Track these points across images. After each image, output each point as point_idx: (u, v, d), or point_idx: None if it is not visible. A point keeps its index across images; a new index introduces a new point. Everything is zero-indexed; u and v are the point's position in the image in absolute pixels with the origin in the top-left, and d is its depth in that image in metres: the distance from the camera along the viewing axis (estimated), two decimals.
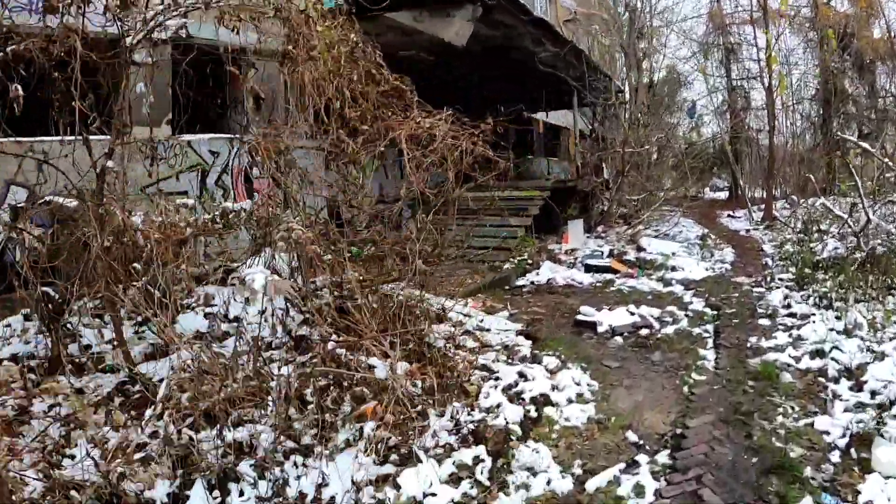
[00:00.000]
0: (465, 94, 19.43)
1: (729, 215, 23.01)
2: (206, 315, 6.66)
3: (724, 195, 34.10)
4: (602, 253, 12.44)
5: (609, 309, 8.49)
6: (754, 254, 13.75)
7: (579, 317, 8.27)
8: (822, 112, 24.30)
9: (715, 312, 8.41)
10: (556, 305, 9.38)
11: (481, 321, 8.24)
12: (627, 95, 16.42)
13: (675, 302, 9.18)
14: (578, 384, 5.88)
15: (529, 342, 7.36)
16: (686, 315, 8.36)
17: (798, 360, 6.16)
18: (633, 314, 8.11)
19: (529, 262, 12.03)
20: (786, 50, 23.55)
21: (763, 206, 20.73)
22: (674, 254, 12.15)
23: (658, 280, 10.58)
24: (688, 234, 15.54)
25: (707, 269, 11.31)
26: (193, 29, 6.50)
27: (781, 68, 21.38)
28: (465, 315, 8.34)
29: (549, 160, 23.17)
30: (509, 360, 6.55)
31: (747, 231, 18.33)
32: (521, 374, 5.94)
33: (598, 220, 14.43)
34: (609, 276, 11.01)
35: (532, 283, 11.11)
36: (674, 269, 11.02)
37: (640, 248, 12.53)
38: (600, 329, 7.82)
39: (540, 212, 13.93)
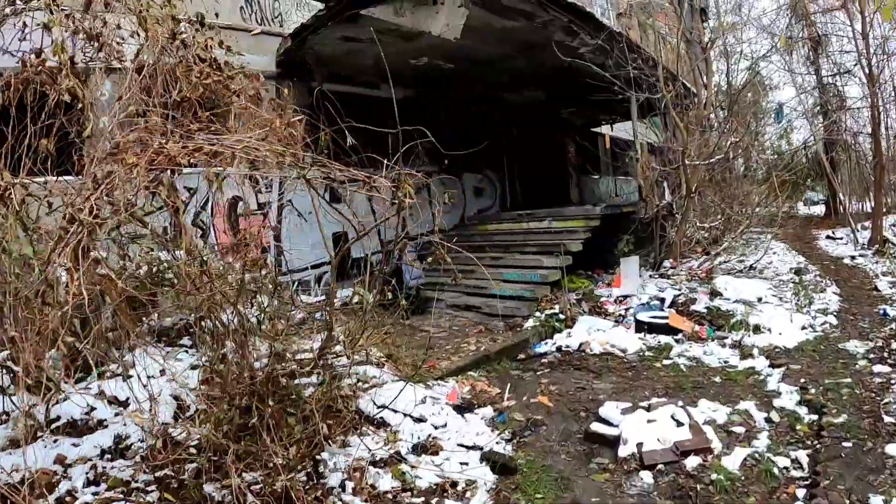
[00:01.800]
0: (515, 114, 16.82)
1: (828, 237, 18.76)
2: (97, 394, 5.24)
3: (819, 210, 28.99)
4: (663, 301, 9.32)
5: (648, 407, 5.55)
6: (866, 296, 10.03)
7: (595, 426, 5.36)
8: None
9: (814, 418, 5.25)
10: (576, 393, 6.48)
11: (441, 427, 5.52)
12: (703, 95, 13.07)
13: (753, 389, 6.08)
14: None
15: (495, 478, 4.67)
16: (768, 421, 5.30)
17: None
18: (680, 424, 5.12)
19: (562, 315, 9.07)
20: (880, 38, 19.26)
21: (869, 225, 16.63)
22: (759, 300, 8.87)
23: (733, 346, 7.40)
24: (778, 267, 11.97)
25: (804, 327, 7.93)
26: None
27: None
28: (416, 419, 5.62)
29: (616, 180, 20.00)
30: None
31: (852, 259, 14.16)
32: None
33: (664, 254, 11.26)
34: (666, 338, 7.93)
35: (559, 348, 8.18)
36: (757, 328, 7.74)
37: (713, 293, 9.31)
38: (622, 451, 4.94)
39: (588, 244, 10.95)
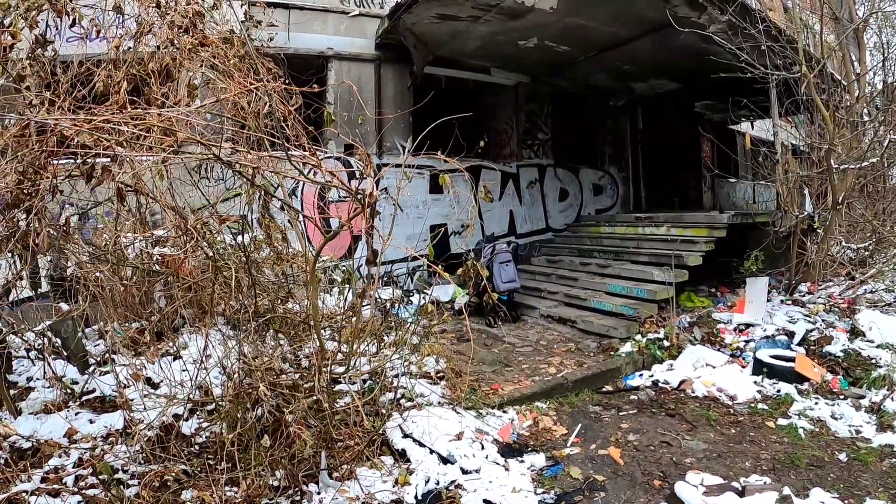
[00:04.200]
0: (642, 106, 15.37)
1: None
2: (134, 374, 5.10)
3: None
4: (791, 336, 7.81)
5: (742, 490, 4.38)
6: None
7: None
8: None
9: None
10: (658, 449, 5.33)
11: (471, 473, 4.62)
12: (855, 87, 10.96)
13: (887, 480, 4.68)
14: None
15: None
16: None
17: None
18: None
19: (666, 343, 7.81)
20: None
21: None
22: None
23: (871, 411, 5.90)
24: None
25: None
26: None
27: None
28: (442, 459, 4.73)
29: (756, 185, 17.91)
30: None
31: None
32: None
33: (800, 275, 9.57)
34: (788, 387, 6.53)
35: (655, 383, 7.00)
36: None
37: (854, 331, 7.70)
38: None
39: (713, 258, 9.55)
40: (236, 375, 4.33)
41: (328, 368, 4.63)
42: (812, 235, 9.73)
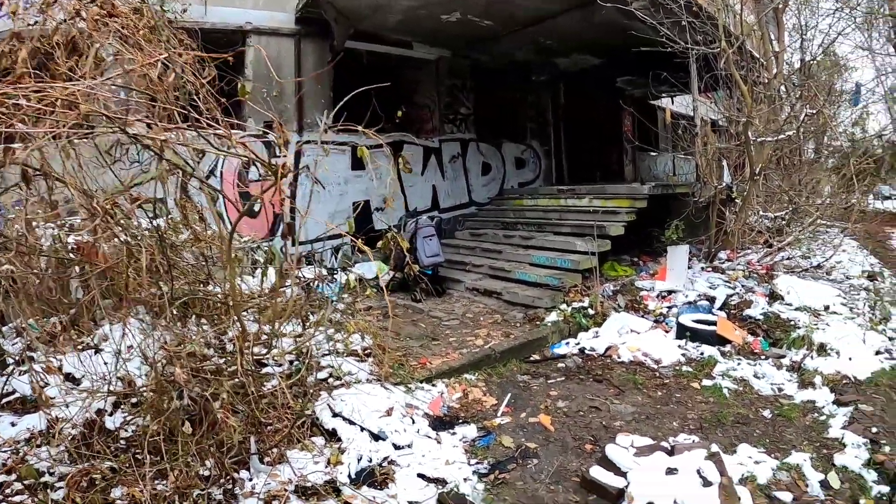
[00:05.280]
0: (565, 81, 15.40)
1: None
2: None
3: (893, 205, 25.63)
4: (712, 301, 7.94)
5: (672, 449, 4.32)
6: None
7: (595, 471, 4.16)
8: None
9: (885, 491, 3.91)
10: (588, 414, 5.29)
11: (403, 448, 4.47)
12: (773, 64, 11.28)
13: (810, 434, 4.77)
14: None
15: None
16: (824, 486, 4.01)
17: None
18: (708, 483, 3.86)
19: (591, 311, 7.82)
20: None
21: None
22: (826, 309, 7.37)
23: (791, 369, 6.02)
24: (848, 268, 9.89)
25: (879, 352, 6.30)
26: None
27: None
28: (374, 436, 4.55)
29: (676, 158, 18.29)
30: None
31: None
32: None
33: (720, 243, 9.79)
34: (711, 349, 6.62)
35: (581, 350, 6.98)
36: (822, 349, 6.27)
37: (773, 295, 7.89)
38: None
39: (635, 228, 9.64)
40: (158, 364, 4.05)
41: (250, 350, 4.39)
42: (730, 205, 9.95)
